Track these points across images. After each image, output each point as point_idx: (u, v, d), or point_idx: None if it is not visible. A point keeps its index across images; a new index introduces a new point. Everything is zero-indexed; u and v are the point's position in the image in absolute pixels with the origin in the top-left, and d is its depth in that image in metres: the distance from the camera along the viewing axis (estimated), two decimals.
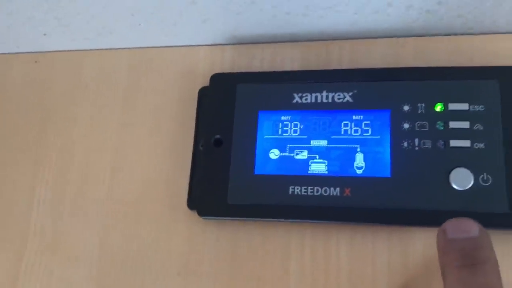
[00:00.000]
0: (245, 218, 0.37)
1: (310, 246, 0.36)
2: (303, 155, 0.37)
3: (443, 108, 0.35)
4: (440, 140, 0.35)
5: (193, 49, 0.43)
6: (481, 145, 0.34)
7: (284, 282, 0.36)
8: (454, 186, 0.34)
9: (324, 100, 0.37)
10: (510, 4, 0.36)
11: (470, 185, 0.33)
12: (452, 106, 0.35)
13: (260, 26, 0.41)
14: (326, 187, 0.35)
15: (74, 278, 0.39)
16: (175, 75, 0.43)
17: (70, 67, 0.45)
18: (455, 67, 0.36)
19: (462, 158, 0.34)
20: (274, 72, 0.40)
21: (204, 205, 0.37)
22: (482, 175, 0.33)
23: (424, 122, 0.35)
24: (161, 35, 0.43)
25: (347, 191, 0.35)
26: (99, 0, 0.39)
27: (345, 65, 0.39)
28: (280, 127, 0.38)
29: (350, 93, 0.37)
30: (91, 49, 0.46)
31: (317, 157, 0.36)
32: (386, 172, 0.35)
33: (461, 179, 0.34)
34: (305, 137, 0.37)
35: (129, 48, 0.45)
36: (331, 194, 0.35)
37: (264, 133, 0.38)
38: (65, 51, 0.46)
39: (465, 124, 0.35)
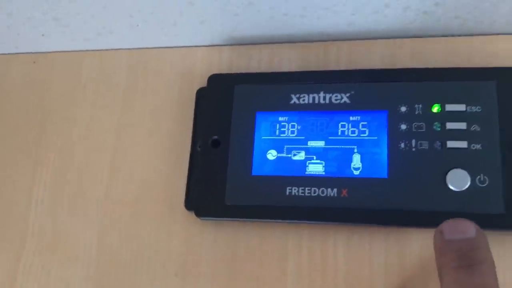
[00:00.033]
0: (242, 219, 0.37)
1: (307, 247, 0.36)
2: (301, 156, 0.37)
3: (440, 109, 0.35)
4: (437, 141, 0.35)
5: (191, 50, 0.43)
6: (478, 146, 0.34)
7: (281, 283, 0.36)
8: (451, 187, 0.34)
9: (322, 101, 0.37)
10: (506, 6, 0.36)
11: (467, 186, 0.33)
12: (449, 107, 0.35)
13: (258, 27, 0.41)
14: (323, 188, 0.35)
15: (72, 278, 0.40)
16: (173, 76, 0.43)
17: (69, 68, 0.46)
18: (452, 68, 0.36)
19: (459, 159, 0.34)
20: (272, 73, 0.40)
21: (202, 205, 0.37)
22: (479, 176, 0.34)
23: (421, 123, 0.35)
24: (160, 36, 0.43)
25: (344, 192, 0.35)
26: (98, 0, 0.39)
27: (342, 66, 0.40)
28: (277, 128, 0.38)
29: (348, 94, 0.37)
30: (90, 50, 0.46)
31: (315, 158, 0.36)
32: (383, 173, 0.35)
33: (458, 180, 0.34)
34: (303, 138, 0.37)
35: (127, 49, 0.45)
36: (328, 195, 0.35)
37: (262, 134, 0.38)
38: (64, 51, 0.46)
39: (462, 125, 0.35)
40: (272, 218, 0.36)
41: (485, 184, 0.33)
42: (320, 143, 0.37)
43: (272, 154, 0.37)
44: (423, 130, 0.35)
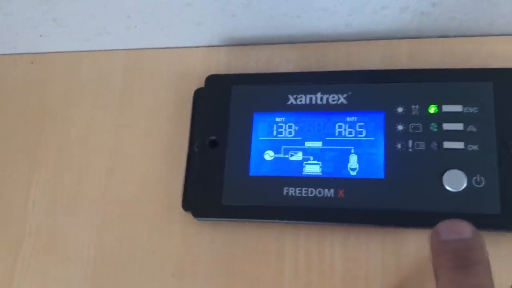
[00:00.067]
0: (240, 219, 0.37)
1: (304, 247, 0.36)
2: (298, 156, 0.37)
3: (437, 110, 0.35)
4: (434, 142, 0.35)
5: (189, 51, 0.43)
6: (475, 147, 0.34)
7: (278, 283, 0.36)
8: (448, 188, 0.34)
9: (319, 102, 0.37)
10: (503, 8, 0.36)
11: (463, 186, 0.34)
12: (446, 108, 0.35)
13: (256, 27, 0.41)
14: (320, 189, 0.35)
15: (69, 278, 0.40)
16: (171, 77, 0.43)
17: (67, 68, 0.46)
18: (449, 69, 0.36)
19: (456, 160, 0.34)
20: (269, 73, 0.40)
21: (199, 206, 0.37)
22: (475, 177, 0.34)
23: (418, 124, 0.35)
24: (157, 36, 0.43)
25: (341, 193, 0.35)
26: (96, 1, 0.39)
27: (340, 67, 0.40)
28: (275, 128, 0.38)
29: (345, 95, 0.37)
30: (88, 50, 0.46)
31: (312, 158, 0.36)
32: (380, 174, 0.35)
33: (455, 181, 0.34)
34: (300, 138, 0.37)
35: (125, 49, 0.45)
36: (325, 195, 0.35)
37: (259, 135, 0.38)
38: (62, 52, 0.46)
39: (459, 126, 0.35)
40: (269, 218, 0.36)
41: (482, 185, 0.33)
42: (317, 144, 0.37)
43: (269, 155, 0.37)
44: (420, 130, 0.35)
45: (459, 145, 0.34)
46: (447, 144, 0.35)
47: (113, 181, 0.41)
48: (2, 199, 0.43)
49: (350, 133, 0.36)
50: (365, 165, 0.35)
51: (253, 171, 0.37)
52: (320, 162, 0.36)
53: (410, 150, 0.35)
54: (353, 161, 0.36)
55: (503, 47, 0.37)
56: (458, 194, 0.34)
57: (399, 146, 0.35)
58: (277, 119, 0.38)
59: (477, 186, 0.33)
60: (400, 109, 0.36)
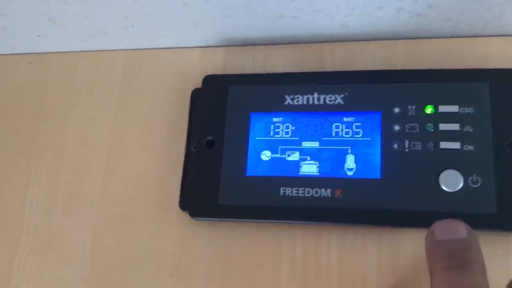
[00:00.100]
0: (236, 219, 0.37)
1: (301, 247, 0.36)
2: (295, 156, 0.37)
3: (433, 110, 0.35)
4: (430, 142, 0.35)
5: (186, 51, 0.43)
6: (471, 147, 0.34)
7: (275, 283, 0.36)
8: (444, 188, 0.34)
9: (316, 102, 0.38)
10: (499, 8, 0.36)
11: (460, 186, 0.34)
12: (442, 108, 0.35)
13: (253, 28, 0.41)
14: (317, 188, 0.36)
15: (66, 278, 0.40)
16: (168, 77, 0.43)
17: (65, 69, 0.46)
18: (445, 70, 0.36)
19: (452, 160, 0.34)
20: (266, 74, 0.40)
21: (196, 206, 0.38)
22: (471, 177, 0.34)
23: (414, 124, 0.35)
24: (155, 37, 0.43)
25: (338, 193, 0.35)
26: (93, 1, 0.40)
27: (337, 68, 0.40)
28: (271, 128, 0.38)
29: (341, 95, 0.37)
30: (85, 51, 0.46)
31: (309, 158, 0.36)
32: (377, 174, 0.35)
33: (451, 181, 0.34)
34: (297, 138, 0.37)
35: (123, 49, 0.45)
36: (322, 195, 0.35)
37: (256, 135, 0.38)
38: (59, 52, 0.46)
39: (455, 126, 0.35)
40: (266, 218, 0.36)
41: (478, 185, 0.34)
42: (314, 144, 0.37)
43: (266, 155, 0.37)
44: (416, 131, 0.35)
45: (456, 145, 0.34)
46: (444, 144, 0.35)
47: (111, 181, 0.41)
48: (0, 199, 0.43)
49: (347, 133, 0.36)
50: (362, 165, 0.35)
51: (250, 171, 0.37)
52: (317, 162, 0.36)
53: (407, 150, 0.35)
54: (350, 161, 0.36)
55: (498, 48, 0.38)
56: (454, 194, 0.34)
57: (395, 146, 0.35)
58: (274, 119, 0.38)
59: (474, 186, 0.34)
60: (396, 110, 0.36)
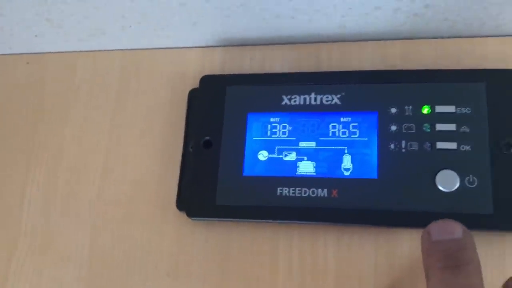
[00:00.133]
0: (234, 219, 0.37)
1: (298, 247, 0.36)
2: (292, 156, 0.37)
3: (430, 111, 0.35)
4: (427, 142, 0.35)
5: (184, 51, 0.44)
6: (467, 147, 0.34)
7: (272, 283, 0.36)
8: (440, 188, 0.34)
9: (313, 102, 0.38)
10: (496, 8, 0.36)
11: (456, 186, 0.34)
12: (439, 109, 0.35)
13: (250, 28, 0.41)
14: (313, 189, 0.36)
15: (64, 278, 0.40)
16: (165, 77, 0.43)
17: (63, 69, 0.46)
18: (442, 70, 0.36)
19: (449, 160, 0.34)
20: (263, 74, 0.40)
21: (193, 206, 0.38)
22: (468, 177, 0.34)
23: (411, 124, 0.35)
24: (152, 37, 0.43)
25: (335, 193, 0.35)
26: (91, 1, 0.40)
27: (334, 68, 0.40)
28: (269, 128, 0.38)
29: (338, 95, 0.37)
30: (83, 51, 0.46)
31: (305, 158, 0.37)
32: (373, 174, 0.35)
33: (447, 181, 0.34)
34: (294, 138, 0.37)
35: (121, 49, 0.45)
36: (319, 195, 0.35)
37: (253, 135, 0.38)
38: (57, 52, 0.46)
39: (452, 127, 0.35)
40: (263, 218, 0.36)
41: (474, 185, 0.34)
42: (311, 144, 0.37)
43: (263, 155, 0.37)
44: (413, 131, 0.35)
45: (452, 145, 0.35)
46: (440, 145, 0.35)
47: (109, 181, 0.41)
48: None
49: (343, 133, 0.36)
50: (359, 165, 0.36)
51: (247, 171, 0.37)
52: (313, 162, 0.36)
53: (403, 150, 0.35)
54: (346, 161, 0.36)
55: (494, 48, 0.38)
56: (451, 194, 0.34)
57: (392, 146, 0.35)
58: (271, 119, 0.38)
59: (470, 186, 0.34)
60: (393, 110, 0.36)
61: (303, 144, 0.37)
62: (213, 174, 0.37)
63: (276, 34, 0.41)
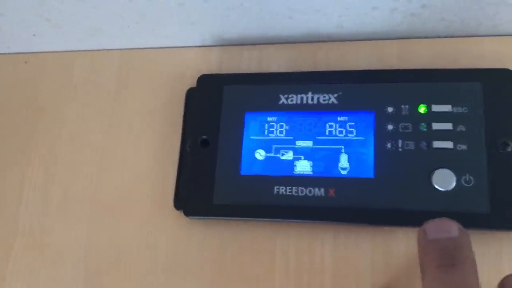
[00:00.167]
0: (231, 218, 0.37)
1: (295, 246, 0.37)
2: (289, 155, 0.37)
3: (426, 110, 0.36)
4: (423, 141, 0.35)
5: (181, 51, 0.44)
6: (464, 147, 0.34)
7: (269, 281, 0.36)
8: (437, 187, 0.34)
9: (310, 102, 0.38)
10: (492, 8, 0.36)
11: (453, 186, 0.34)
12: (436, 108, 0.35)
13: (248, 28, 0.41)
14: (310, 188, 0.36)
15: (61, 277, 0.40)
16: (163, 76, 0.43)
17: (61, 68, 0.46)
18: (439, 69, 0.36)
19: (445, 159, 0.34)
20: (261, 73, 0.40)
21: (191, 205, 0.38)
22: (464, 176, 0.34)
23: (407, 124, 0.36)
24: (150, 36, 0.43)
25: (331, 192, 0.35)
26: (90, 1, 0.40)
27: (331, 67, 0.40)
28: (266, 128, 0.38)
29: (335, 95, 0.37)
30: (81, 50, 0.46)
31: (302, 157, 0.37)
32: (370, 173, 0.35)
33: (444, 180, 0.34)
34: (291, 138, 0.37)
35: (118, 49, 0.45)
36: (316, 194, 0.35)
37: (250, 134, 0.38)
38: (55, 52, 0.46)
39: (448, 126, 0.35)
40: (260, 217, 0.36)
41: (471, 184, 0.34)
42: (308, 143, 0.37)
43: (260, 154, 0.37)
44: (410, 130, 0.35)
45: (448, 144, 0.35)
46: (437, 144, 0.35)
47: (105, 180, 0.41)
48: None
49: (340, 132, 0.37)
50: (355, 165, 0.36)
51: (244, 170, 0.37)
52: (310, 162, 0.36)
53: (400, 149, 0.35)
54: (343, 160, 0.36)
55: (491, 48, 0.38)
56: (447, 193, 0.34)
57: (389, 145, 0.35)
58: (269, 119, 0.38)
59: (466, 185, 0.34)
60: (390, 109, 0.36)
61: (300, 143, 0.37)
62: (210, 173, 0.37)
63: (274, 34, 0.41)
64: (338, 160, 0.36)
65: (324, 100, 0.37)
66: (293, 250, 0.36)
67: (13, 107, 0.45)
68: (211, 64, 0.42)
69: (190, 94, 0.41)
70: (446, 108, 0.35)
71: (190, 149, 0.39)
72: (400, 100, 0.36)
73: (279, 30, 0.41)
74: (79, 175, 0.42)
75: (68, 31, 0.43)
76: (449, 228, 0.26)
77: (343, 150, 0.36)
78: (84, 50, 0.46)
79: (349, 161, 0.36)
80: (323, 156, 0.36)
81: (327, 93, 0.37)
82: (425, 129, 0.35)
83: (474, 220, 0.33)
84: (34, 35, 0.45)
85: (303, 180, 0.36)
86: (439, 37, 0.39)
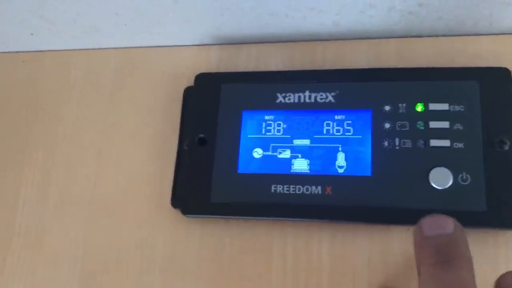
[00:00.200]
0: (228, 216, 0.37)
1: (292, 244, 0.37)
2: (286, 154, 0.37)
3: (423, 108, 0.36)
4: (420, 140, 0.35)
5: (179, 49, 0.44)
6: (461, 145, 0.34)
7: (266, 280, 0.36)
8: (434, 185, 0.34)
9: (307, 100, 0.38)
10: (489, 7, 0.36)
11: (450, 184, 0.34)
12: (433, 106, 0.36)
13: (245, 26, 0.41)
14: (308, 186, 0.36)
15: (58, 277, 0.40)
16: (160, 75, 0.43)
17: (58, 67, 0.46)
18: (436, 68, 0.36)
19: (442, 158, 0.34)
20: (258, 72, 0.40)
21: (188, 203, 0.38)
22: (461, 174, 0.34)
23: (404, 122, 0.36)
24: (147, 35, 0.43)
25: (329, 190, 0.35)
26: None
27: (328, 66, 0.40)
28: (263, 126, 0.38)
29: (333, 93, 0.37)
30: (78, 49, 0.46)
31: (300, 156, 0.37)
32: (367, 171, 0.35)
33: (441, 178, 0.34)
34: (288, 136, 0.37)
35: (115, 48, 0.45)
36: (313, 192, 0.35)
37: (248, 133, 0.38)
38: (52, 50, 0.46)
39: (445, 124, 0.35)
40: (257, 215, 0.36)
41: (468, 182, 0.34)
42: (305, 142, 0.37)
43: (258, 152, 0.37)
44: (407, 129, 0.35)
45: (446, 143, 0.35)
46: (434, 142, 0.35)
47: (103, 179, 0.41)
48: None
49: (338, 131, 0.37)
50: (353, 163, 0.36)
51: (242, 168, 0.37)
52: (308, 160, 0.36)
53: (397, 148, 0.35)
54: (340, 158, 0.36)
55: (488, 47, 0.38)
56: (444, 192, 0.34)
57: (386, 144, 0.35)
58: (266, 117, 0.38)
59: (463, 183, 0.34)
60: (387, 108, 0.36)
61: (297, 142, 0.37)
62: (207, 171, 0.37)
63: (271, 32, 0.41)
64: (335, 159, 0.36)
65: (321, 99, 0.37)
66: (291, 248, 0.36)
67: (10, 106, 0.45)
68: (209, 62, 0.42)
69: (188, 93, 0.41)
70: (443, 106, 0.35)
71: (187, 148, 0.39)
72: (398, 99, 0.36)
73: (277, 29, 0.41)
74: (76, 174, 0.42)
75: (63, 28, 0.43)
76: (445, 224, 0.26)
77: (340, 149, 0.36)
78: (82, 49, 0.46)
79: (346, 159, 0.36)
80: (321, 155, 0.36)
81: (325, 91, 0.38)
82: (422, 128, 0.35)
83: (471, 218, 0.33)
84: (31, 33, 0.44)
85: (300, 178, 0.36)
86: (436, 35, 0.39)
